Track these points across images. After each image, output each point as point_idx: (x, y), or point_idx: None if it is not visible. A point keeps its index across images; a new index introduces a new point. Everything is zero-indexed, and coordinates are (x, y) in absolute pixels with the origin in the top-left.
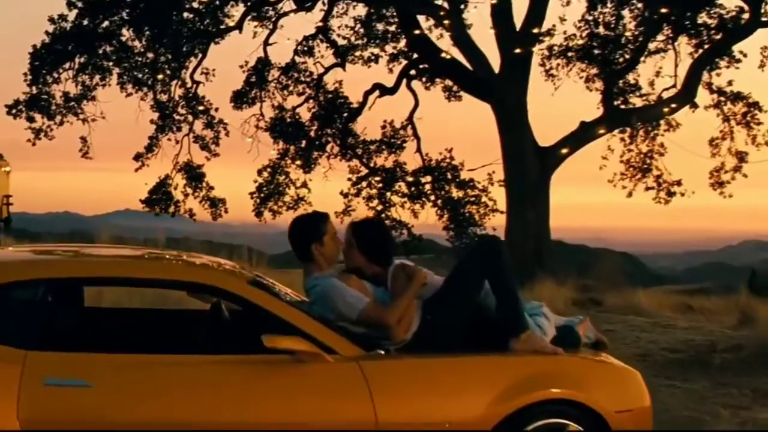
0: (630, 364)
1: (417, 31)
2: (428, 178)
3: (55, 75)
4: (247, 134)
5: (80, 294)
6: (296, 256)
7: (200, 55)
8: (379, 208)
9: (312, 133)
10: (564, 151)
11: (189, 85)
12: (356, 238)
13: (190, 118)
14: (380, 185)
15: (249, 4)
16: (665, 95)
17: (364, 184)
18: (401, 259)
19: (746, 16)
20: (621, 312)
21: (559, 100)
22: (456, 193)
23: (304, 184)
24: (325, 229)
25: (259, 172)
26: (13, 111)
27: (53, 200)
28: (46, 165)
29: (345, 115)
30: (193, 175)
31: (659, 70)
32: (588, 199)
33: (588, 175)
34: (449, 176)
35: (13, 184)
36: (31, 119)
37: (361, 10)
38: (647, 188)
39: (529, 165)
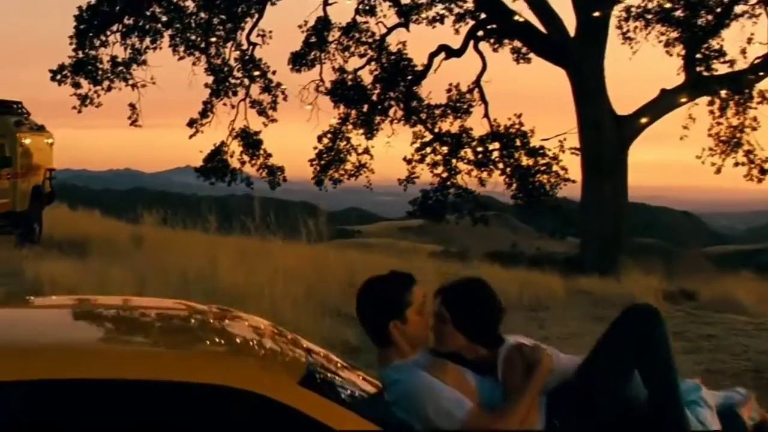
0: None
1: None
2: (496, 145)
3: (102, 38)
4: (306, 102)
5: None
6: (369, 336)
7: (256, 16)
8: (444, 175)
9: (374, 97)
10: (644, 120)
11: (245, 47)
12: (450, 310)
13: (246, 81)
14: (445, 151)
15: None
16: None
17: (428, 150)
18: (516, 337)
19: None
20: (717, 308)
21: (637, 66)
22: (525, 161)
23: (366, 151)
24: (409, 300)
25: (319, 138)
26: (58, 77)
27: (114, 157)
28: (108, 123)
29: (409, 78)
30: (250, 142)
31: (751, 37)
32: (647, 157)
33: (648, 132)
34: (518, 143)
35: (73, 140)
36: (77, 85)
37: None
38: (736, 164)
39: (607, 135)
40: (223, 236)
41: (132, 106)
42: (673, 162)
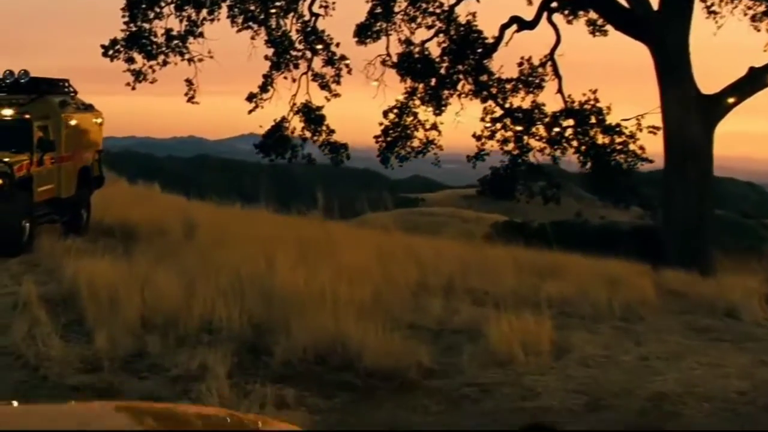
0: None
1: None
2: (570, 122)
3: (156, 10)
4: (372, 77)
5: None
6: None
7: None
8: (515, 152)
9: (442, 71)
10: (731, 100)
11: (307, 18)
12: None
13: (309, 54)
14: (516, 128)
15: None
16: None
17: (498, 126)
18: None
19: None
20: None
21: (722, 42)
22: (601, 139)
23: (434, 126)
24: None
25: (385, 114)
26: (110, 52)
27: (178, 124)
28: (172, 89)
29: (479, 50)
30: (312, 117)
31: None
32: None
33: None
34: (593, 120)
35: (137, 107)
36: (130, 60)
37: None
38: None
39: (692, 115)
40: (283, 216)
41: (189, 81)
42: (735, 132)
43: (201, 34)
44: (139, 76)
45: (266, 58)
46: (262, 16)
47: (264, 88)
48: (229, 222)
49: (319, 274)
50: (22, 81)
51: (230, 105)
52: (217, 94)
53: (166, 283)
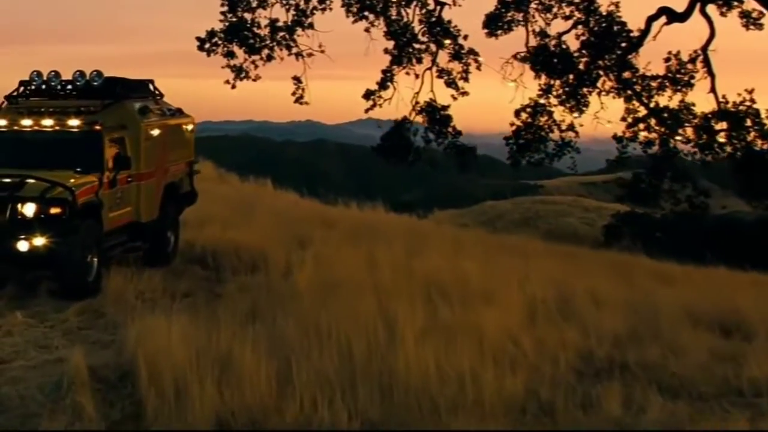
0: None
1: None
2: (723, 125)
3: None
4: (509, 78)
5: None
6: None
7: None
8: (660, 155)
9: (581, 66)
10: None
11: (431, 6)
12: None
13: (433, 47)
14: (662, 129)
15: None
16: None
17: (641, 126)
18: None
19: None
20: None
21: None
22: (759, 144)
23: (571, 127)
24: None
25: (517, 114)
26: (207, 45)
27: (296, 108)
28: (289, 73)
29: (623, 44)
30: (437, 118)
31: None
32: None
33: None
34: (749, 123)
35: (254, 91)
36: (230, 54)
37: None
38: None
39: None
40: (402, 216)
41: (297, 79)
42: None
43: (311, 26)
44: (240, 72)
45: (386, 51)
46: (380, 6)
47: (383, 84)
48: (342, 239)
49: (455, 348)
50: (95, 83)
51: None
52: (335, 78)
53: (252, 366)
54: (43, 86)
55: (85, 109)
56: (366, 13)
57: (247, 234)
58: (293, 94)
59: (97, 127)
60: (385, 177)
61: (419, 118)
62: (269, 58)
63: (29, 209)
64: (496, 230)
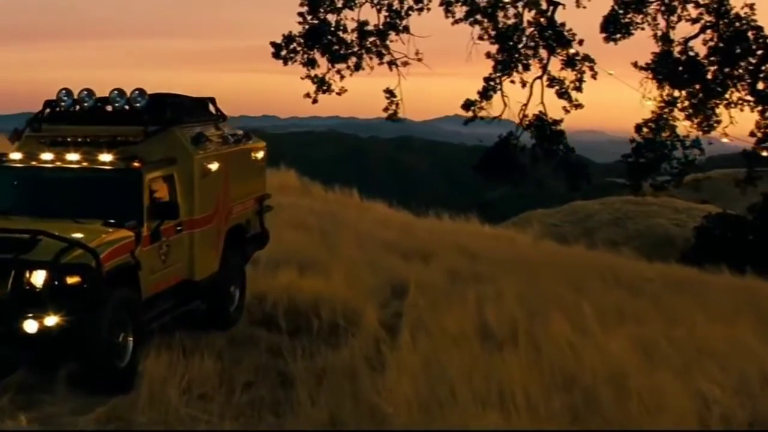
0: None
1: None
2: None
3: None
4: (643, 91)
5: None
6: None
7: None
8: None
9: (709, 75)
10: None
11: (544, 7)
12: None
13: (544, 53)
14: None
15: None
16: None
17: None
18: None
19: None
20: None
21: None
22: None
23: (696, 144)
24: None
25: (638, 129)
26: (283, 52)
27: (382, 104)
28: (376, 70)
29: (759, 52)
30: (547, 134)
31: None
32: None
33: None
34: None
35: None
36: (310, 63)
37: None
38: None
39: None
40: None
41: (390, 93)
42: None
43: (406, 29)
44: (321, 84)
45: (488, 56)
46: (488, 4)
47: (485, 94)
48: (442, 282)
49: None
50: (138, 105)
51: (434, 85)
52: (421, 74)
53: None
54: (74, 108)
55: (122, 139)
56: (477, 17)
57: (329, 279)
58: (385, 110)
59: (136, 164)
60: (471, 173)
61: (527, 134)
62: (357, 67)
63: (38, 278)
64: (586, 231)
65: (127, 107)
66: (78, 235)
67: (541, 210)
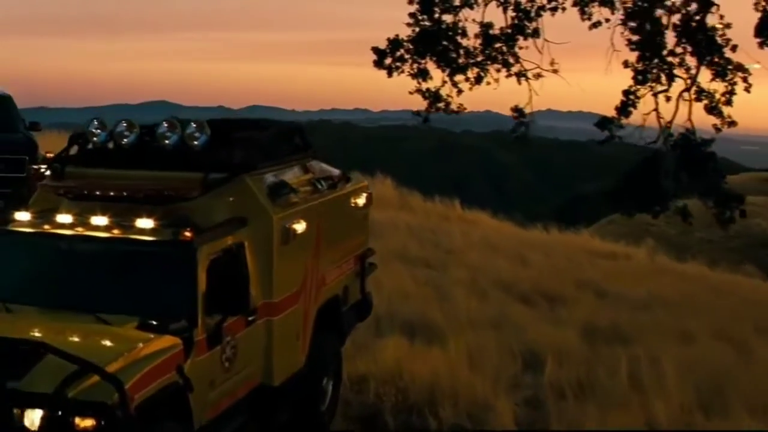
0: None
1: None
2: None
3: None
4: None
5: None
6: None
7: None
8: None
9: None
10: None
11: (691, 7)
12: None
13: (691, 60)
14: None
15: None
16: None
17: None
18: None
19: None
20: None
21: None
22: None
23: None
24: None
25: None
26: (387, 61)
27: (476, 98)
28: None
29: None
30: (696, 156)
31: None
32: None
33: None
34: None
35: None
36: (422, 74)
37: None
38: None
39: None
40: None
41: (518, 112)
42: None
43: (535, 33)
44: (436, 101)
45: (626, 65)
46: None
47: (624, 110)
48: (579, 338)
49: None
50: (195, 143)
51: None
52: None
53: None
54: (108, 143)
55: (171, 193)
56: (632, 24)
57: (446, 349)
58: (513, 131)
59: (188, 234)
60: (563, 167)
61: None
62: (478, 80)
63: (33, 419)
64: (684, 231)
65: (180, 145)
66: (96, 348)
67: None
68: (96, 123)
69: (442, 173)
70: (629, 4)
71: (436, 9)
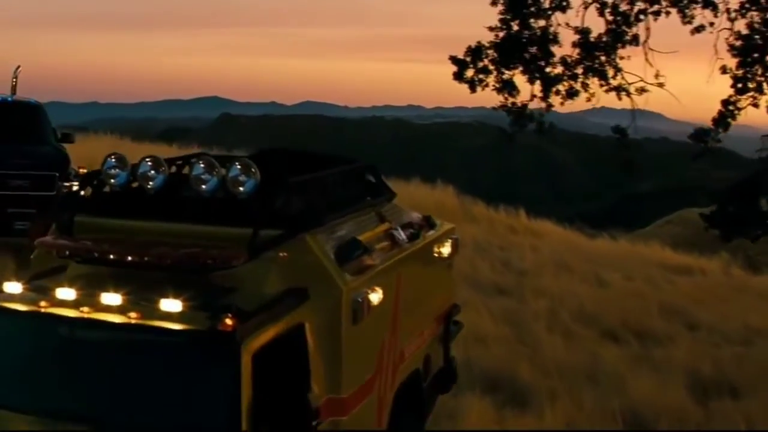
0: None
1: None
2: None
3: None
4: None
5: None
6: None
7: None
8: None
9: None
10: None
11: None
12: None
13: None
14: None
15: None
16: None
17: None
18: None
19: None
20: None
21: None
22: None
23: None
24: None
25: None
26: (469, 74)
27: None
28: None
29: None
30: None
31: None
32: None
33: None
34: None
35: None
36: (507, 88)
37: None
38: None
39: None
40: None
41: (620, 133)
42: None
43: (634, 40)
44: (527, 121)
45: (723, 71)
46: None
47: (721, 121)
48: (694, 393)
49: None
50: (240, 191)
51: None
52: None
53: None
54: (130, 185)
55: (208, 260)
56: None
57: (541, 420)
58: (623, 169)
59: (229, 323)
60: (615, 166)
61: None
62: (571, 94)
63: None
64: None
65: (221, 191)
66: None
67: (694, 209)
68: (113, 160)
69: (496, 171)
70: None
71: (526, 10)
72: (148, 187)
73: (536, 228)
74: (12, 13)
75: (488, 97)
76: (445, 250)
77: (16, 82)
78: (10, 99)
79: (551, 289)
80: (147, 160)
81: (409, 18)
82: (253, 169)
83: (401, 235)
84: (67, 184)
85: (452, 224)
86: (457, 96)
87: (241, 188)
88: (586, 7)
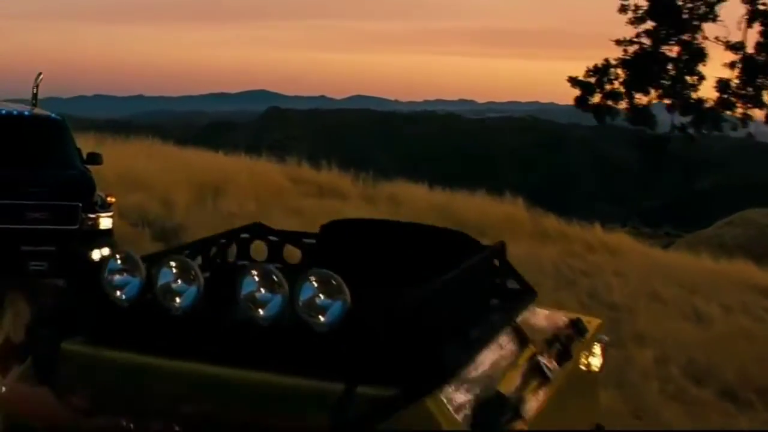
0: None
1: None
2: None
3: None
4: None
5: None
6: None
7: None
8: None
9: None
10: None
11: None
12: None
13: None
14: None
15: None
16: None
17: None
18: None
19: None
20: None
21: None
22: None
23: None
24: None
25: None
26: (595, 99)
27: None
28: (580, 54)
29: None
30: None
31: None
32: None
33: None
34: None
35: (543, 72)
36: (642, 116)
37: None
38: None
39: None
40: None
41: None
42: None
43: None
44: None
45: None
46: None
47: None
48: None
49: None
50: (321, 321)
51: None
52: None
53: None
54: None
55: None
56: None
57: None
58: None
59: None
60: (672, 162)
61: None
62: (717, 122)
63: None
64: None
65: (286, 317)
66: None
67: (757, 210)
68: (118, 260)
69: (550, 167)
70: None
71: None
72: (175, 305)
73: (612, 243)
74: (57, 5)
75: (542, 92)
76: (595, 361)
77: (36, 91)
78: (27, 113)
79: (651, 332)
80: (170, 260)
81: (461, 10)
82: (335, 283)
83: (551, 362)
84: (92, 215)
85: (598, 319)
86: (510, 91)
87: (321, 318)
88: (750, 19)
